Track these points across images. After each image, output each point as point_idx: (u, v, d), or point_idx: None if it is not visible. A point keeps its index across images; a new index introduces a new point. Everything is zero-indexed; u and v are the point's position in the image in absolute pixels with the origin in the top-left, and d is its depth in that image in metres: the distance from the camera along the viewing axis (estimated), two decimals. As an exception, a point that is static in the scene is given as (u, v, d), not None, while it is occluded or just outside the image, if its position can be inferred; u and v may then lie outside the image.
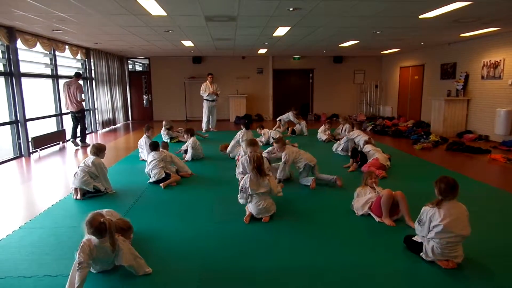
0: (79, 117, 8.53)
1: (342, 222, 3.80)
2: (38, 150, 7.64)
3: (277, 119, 10.50)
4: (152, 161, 5.24)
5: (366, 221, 3.77)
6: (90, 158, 4.72)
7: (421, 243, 2.93)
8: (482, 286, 2.61)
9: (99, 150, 4.79)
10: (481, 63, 8.90)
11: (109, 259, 2.68)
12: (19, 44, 7.20)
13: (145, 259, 2.80)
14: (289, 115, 10.21)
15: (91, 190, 4.58)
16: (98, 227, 2.51)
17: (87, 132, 9.47)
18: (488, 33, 8.06)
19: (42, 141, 7.83)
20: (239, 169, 5.05)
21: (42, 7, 5.34)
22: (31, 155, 7.45)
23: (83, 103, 8.67)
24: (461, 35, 8.45)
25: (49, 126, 9.12)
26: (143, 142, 6.75)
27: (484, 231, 3.44)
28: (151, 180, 5.18)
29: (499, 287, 2.61)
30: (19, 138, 7.29)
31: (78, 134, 8.62)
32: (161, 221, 3.87)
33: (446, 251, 2.78)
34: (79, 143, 8.60)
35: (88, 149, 7.84)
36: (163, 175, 5.14)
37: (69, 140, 8.79)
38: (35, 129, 8.26)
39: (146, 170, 5.41)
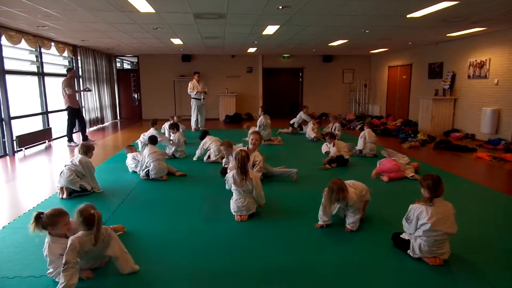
0: (68, 114, 8.37)
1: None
2: (23, 149, 7.50)
3: (290, 124, 10.21)
4: (152, 153, 5.24)
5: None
6: (78, 157, 4.64)
7: (409, 241, 2.95)
8: (468, 281, 2.65)
9: (87, 149, 4.72)
10: (467, 62, 9.03)
11: (97, 252, 2.62)
12: (3, 40, 7.04)
13: (133, 258, 2.76)
14: (302, 115, 10.01)
15: (78, 189, 4.51)
16: (87, 217, 2.52)
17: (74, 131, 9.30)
18: (475, 33, 8.17)
19: (27, 140, 7.68)
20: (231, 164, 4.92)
21: (27, 3, 5.22)
22: (16, 154, 7.30)
23: (72, 100, 8.32)
24: (448, 34, 8.56)
25: (35, 125, 8.94)
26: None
27: (469, 228, 3.48)
28: (154, 175, 5.21)
29: (484, 281, 2.65)
30: (3, 136, 7.13)
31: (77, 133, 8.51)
32: (149, 220, 3.83)
33: (433, 249, 2.81)
34: (67, 143, 8.46)
35: (76, 149, 7.76)
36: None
37: (55, 138, 8.62)
38: (20, 128, 8.09)
39: (140, 166, 5.38)
